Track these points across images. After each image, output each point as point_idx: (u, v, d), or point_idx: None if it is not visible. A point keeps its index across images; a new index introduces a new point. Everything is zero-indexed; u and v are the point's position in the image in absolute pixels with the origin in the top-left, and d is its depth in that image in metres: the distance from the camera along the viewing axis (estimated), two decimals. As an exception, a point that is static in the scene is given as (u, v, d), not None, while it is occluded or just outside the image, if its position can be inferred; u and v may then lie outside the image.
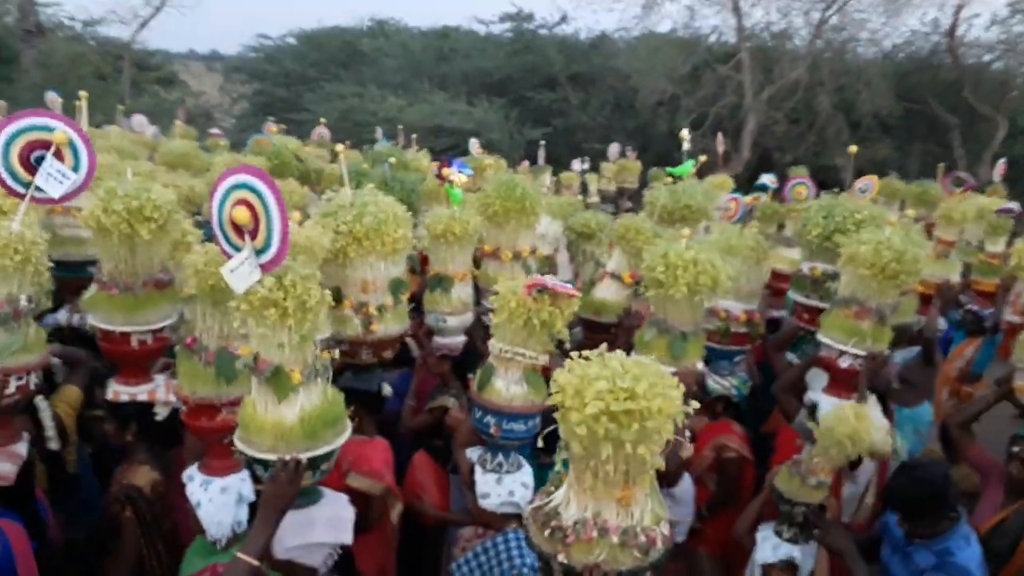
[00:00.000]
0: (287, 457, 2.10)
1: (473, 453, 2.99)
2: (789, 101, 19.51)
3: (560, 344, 2.87)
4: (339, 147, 3.38)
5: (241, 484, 2.50)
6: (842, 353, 3.39)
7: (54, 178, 2.49)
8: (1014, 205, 5.99)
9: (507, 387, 2.81)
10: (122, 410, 2.92)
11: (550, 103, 22.57)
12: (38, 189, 2.49)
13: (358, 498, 2.90)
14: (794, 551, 3.02)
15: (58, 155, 2.48)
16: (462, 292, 3.80)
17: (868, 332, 3.32)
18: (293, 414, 2.10)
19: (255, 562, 1.98)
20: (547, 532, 1.78)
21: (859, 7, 19.53)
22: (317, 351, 2.16)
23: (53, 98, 6.61)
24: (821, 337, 3.48)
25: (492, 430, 2.85)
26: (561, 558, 1.77)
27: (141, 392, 2.93)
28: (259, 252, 1.96)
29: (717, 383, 3.92)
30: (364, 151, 7.25)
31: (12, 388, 2.47)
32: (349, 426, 2.33)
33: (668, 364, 3.20)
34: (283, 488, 2.08)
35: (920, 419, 4.26)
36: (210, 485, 2.46)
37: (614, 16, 48.25)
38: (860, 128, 19.07)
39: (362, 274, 3.24)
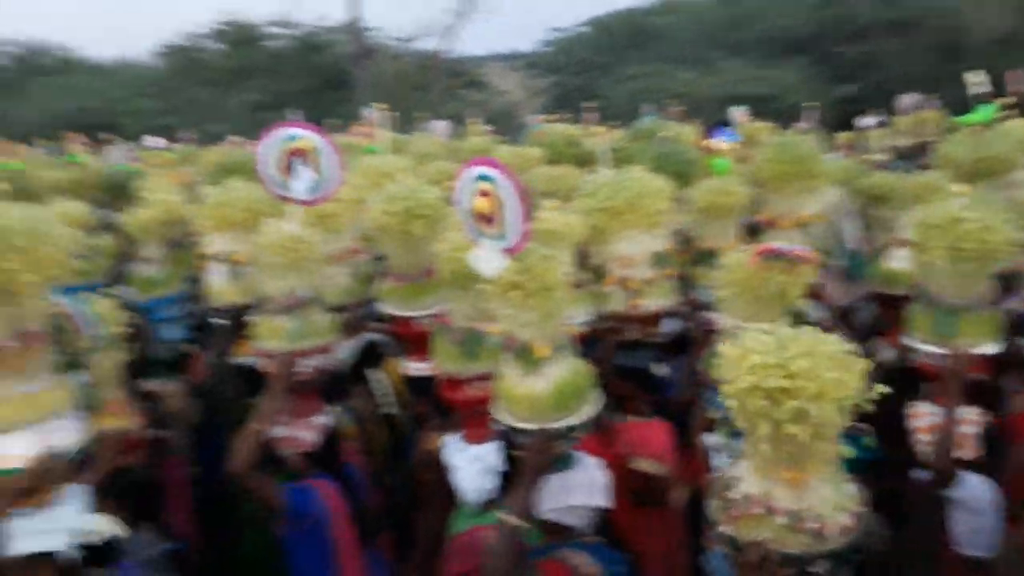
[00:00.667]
0: (541, 427, 2.18)
1: (709, 439, 2.82)
2: None
3: (799, 317, 2.59)
4: (594, 129, 3.39)
5: (490, 454, 2.63)
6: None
7: (303, 182, 2.79)
8: None
9: None
10: (415, 384, 3.24)
11: (860, 57, 20.62)
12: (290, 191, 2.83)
13: (639, 478, 2.91)
14: None
15: (309, 160, 2.79)
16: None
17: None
18: (543, 386, 2.17)
19: (518, 521, 2.09)
20: (718, 502, 1.78)
21: None
22: (563, 326, 2.22)
23: (375, 111, 7.42)
24: None
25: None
26: (725, 529, 1.76)
27: (428, 368, 3.21)
28: (501, 238, 2.05)
29: None
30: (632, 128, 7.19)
31: (306, 367, 2.81)
32: (599, 398, 2.35)
33: (933, 344, 2.78)
34: (538, 455, 2.17)
35: None
36: (465, 452, 2.64)
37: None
38: None
39: (623, 249, 3.22)
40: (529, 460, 2.17)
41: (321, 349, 2.87)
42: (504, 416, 2.26)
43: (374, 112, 4.23)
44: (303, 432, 2.88)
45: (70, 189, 5.98)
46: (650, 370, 3.34)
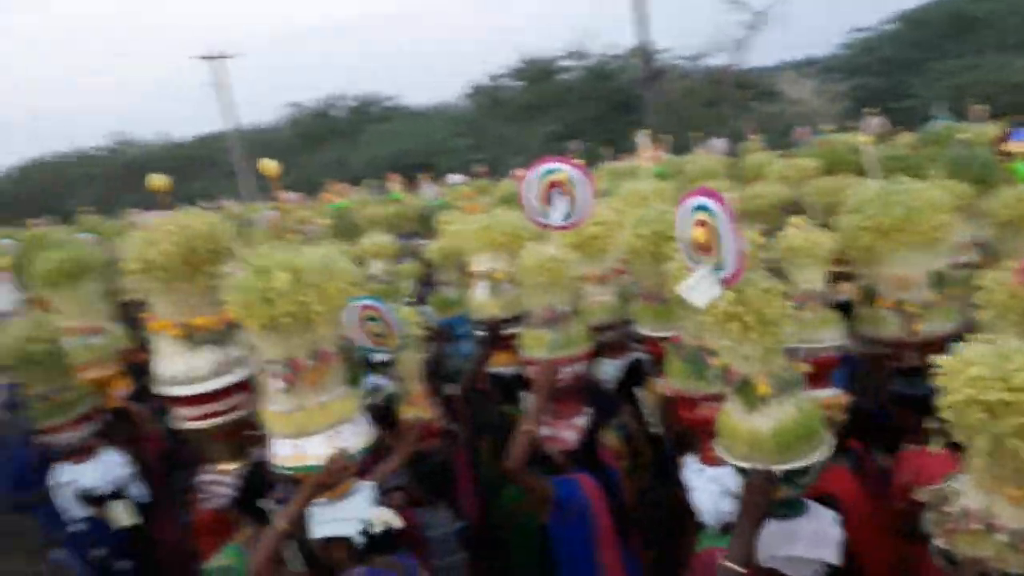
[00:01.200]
0: (759, 467, 2.10)
1: None
2: None
3: None
4: (861, 138, 3.21)
5: (728, 477, 2.59)
6: None
7: (559, 210, 3.03)
8: None
9: None
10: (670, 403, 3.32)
11: None
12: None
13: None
14: None
15: (565, 191, 3.00)
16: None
17: None
18: (766, 425, 2.10)
19: (741, 569, 2.01)
20: (934, 515, 1.77)
21: None
22: (788, 363, 2.14)
23: (642, 136, 7.62)
24: None
25: None
26: (940, 543, 1.75)
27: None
28: (718, 268, 2.06)
29: None
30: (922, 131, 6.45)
31: (564, 374, 3.06)
32: (829, 441, 2.22)
33: None
34: (755, 498, 2.09)
35: None
36: (703, 473, 2.63)
37: None
38: None
39: (897, 269, 3.00)
40: (747, 503, 2.11)
41: (579, 358, 3.10)
42: (724, 452, 2.22)
43: (641, 137, 4.33)
44: (565, 432, 3.14)
45: (388, 223, 6.93)
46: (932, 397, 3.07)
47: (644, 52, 24.78)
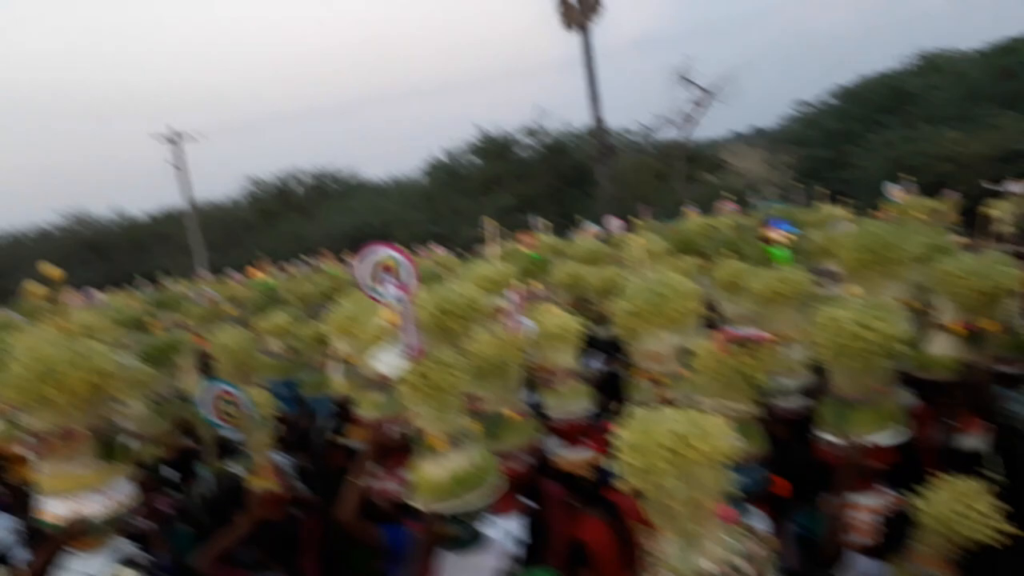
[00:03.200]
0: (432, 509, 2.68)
1: None
2: None
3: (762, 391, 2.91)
4: (624, 232, 3.89)
5: (512, 524, 3.19)
6: None
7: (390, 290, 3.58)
8: None
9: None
10: None
11: None
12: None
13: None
14: None
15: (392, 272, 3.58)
16: (795, 353, 3.84)
17: None
18: (439, 473, 2.70)
19: None
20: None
21: None
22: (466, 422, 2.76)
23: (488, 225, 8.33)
24: None
25: None
26: None
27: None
28: (405, 344, 2.66)
29: None
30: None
31: (392, 431, 3.53)
32: (496, 490, 2.79)
33: (827, 433, 3.09)
34: (427, 535, 2.65)
35: None
36: (493, 524, 3.22)
37: None
38: None
39: (651, 346, 3.67)
40: (419, 538, 2.67)
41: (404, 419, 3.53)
42: (410, 497, 2.80)
43: (488, 226, 5.00)
44: (391, 483, 3.67)
45: (318, 298, 7.50)
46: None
47: (597, 129, 26.06)
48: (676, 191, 23.86)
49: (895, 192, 7.80)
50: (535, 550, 3.21)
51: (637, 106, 27.67)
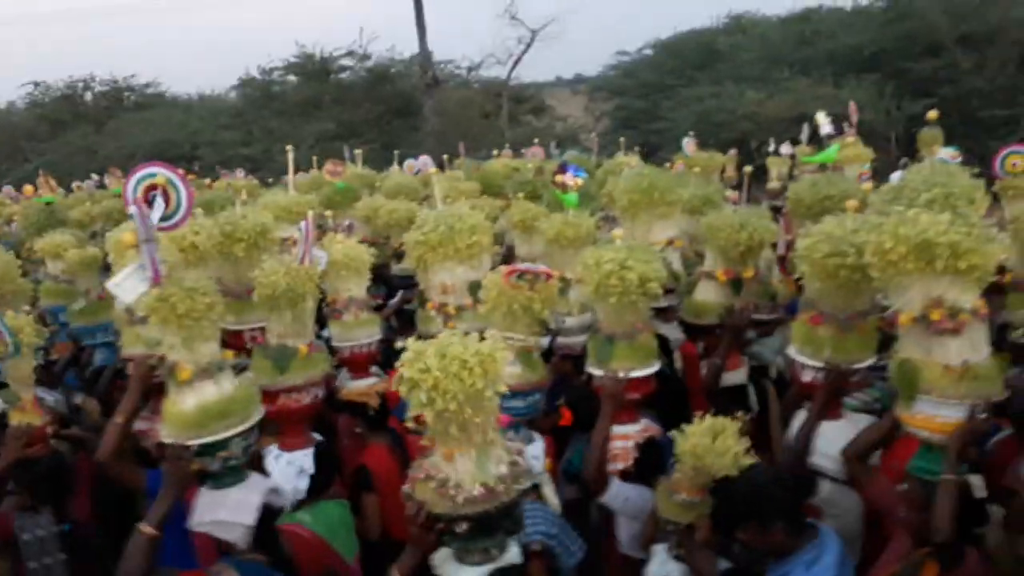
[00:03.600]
0: (176, 442, 2.61)
1: None
2: None
3: (544, 324, 3.08)
4: (432, 170, 3.92)
5: (304, 459, 3.17)
6: (804, 366, 3.08)
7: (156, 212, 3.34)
8: None
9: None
10: None
11: (934, 72, 20.06)
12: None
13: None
14: (675, 570, 2.86)
15: (165, 194, 3.39)
16: (578, 294, 4.05)
17: (826, 341, 2.96)
18: (188, 404, 2.65)
19: (152, 531, 2.40)
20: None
21: None
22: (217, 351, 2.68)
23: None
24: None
25: None
26: (406, 489, 2.27)
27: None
28: (143, 267, 2.55)
29: (855, 396, 3.54)
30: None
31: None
32: (250, 421, 2.77)
33: (593, 367, 3.30)
34: (172, 468, 2.53)
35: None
36: (280, 458, 3.18)
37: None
38: None
39: (442, 278, 3.74)
40: (165, 472, 2.56)
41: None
42: (162, 429, 2.73)
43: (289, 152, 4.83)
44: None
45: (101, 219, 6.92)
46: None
47: (424, 59, 25.62)
48: (501, 130, 24.08)
49: (687, 145, 8.33)
50: (324, 482, 3.23)
51: (464, 40, 27.32)
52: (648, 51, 26.53)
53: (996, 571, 2.65)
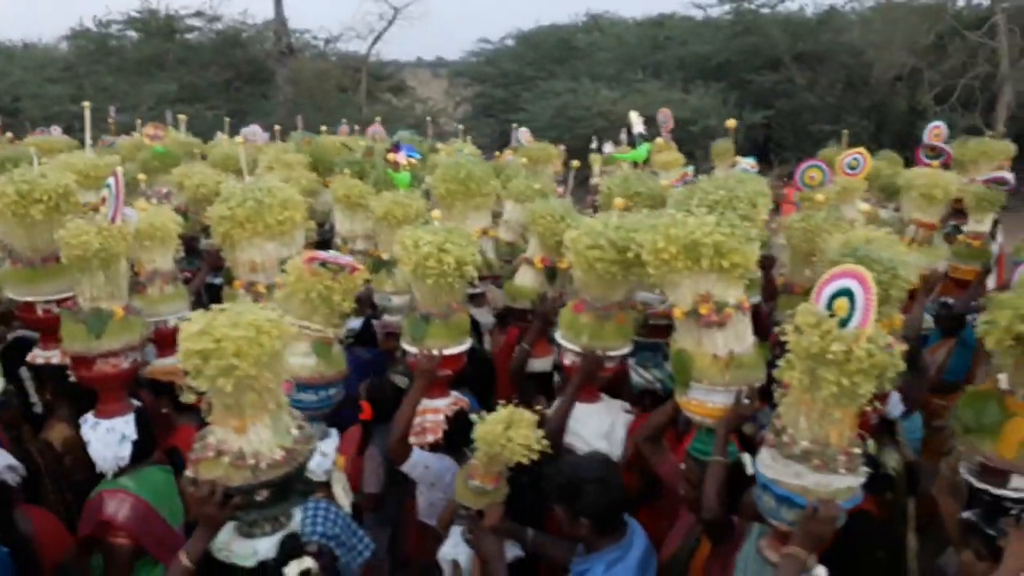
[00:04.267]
0: None
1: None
2: (1056, 67, 16.88)
3: (345, 317, 3.05)
4: (239, 139, 3.78)
5: (125, 425, 3.01)
6: (565, 350, 3.30)
7: None
8: (1007, 175, 4.97)
9: (296, 359, 3.00)
10: (41, 372, 3.57)
11: (773, 85, 21.55)
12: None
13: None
14: (463, 553, 2.99)
15: None
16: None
17: (585, 327, 3.18)
18: None
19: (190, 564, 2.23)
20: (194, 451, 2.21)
21: None
22: None
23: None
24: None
25: None
26: (189, 473, 2.19)
27: (54, 356, 3.53)
28: None
29: (640, 376, 3.76)
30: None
31: None
32: None
33: (408, 344, 3.36)
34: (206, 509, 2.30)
35: (908, 432, 3.70)
36: (98, 426, 3.00)
37: (846, -11, 44.60)
38: None
39: (250, 255, 3.61)
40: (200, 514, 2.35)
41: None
42: None
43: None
44: None
45: None
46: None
47: (279, 26, 24.66)
48: (359, 106, 23.60)
49: (523, 135, 8.52)
50: (147, 447, 3.14)
51: (322, 11, 26.47)
52: (510, 41, 26.83)
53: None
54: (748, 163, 5.77)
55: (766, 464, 2.38)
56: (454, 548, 3.08)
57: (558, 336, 3.39)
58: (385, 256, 4.22)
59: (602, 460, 2.88)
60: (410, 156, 4.26)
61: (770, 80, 21.49)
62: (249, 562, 2.28)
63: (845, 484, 2.27)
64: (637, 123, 4.58)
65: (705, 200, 3.11)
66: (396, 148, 4.36)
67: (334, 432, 3.25)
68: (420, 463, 3.34)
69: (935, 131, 6.21)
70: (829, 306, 2.24)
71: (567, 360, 3.35)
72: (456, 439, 3.34)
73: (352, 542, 3.06)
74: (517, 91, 24.46)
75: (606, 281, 3.16)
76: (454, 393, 3.58)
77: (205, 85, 23.70)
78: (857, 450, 2.30)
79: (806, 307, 2.26)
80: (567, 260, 3.31)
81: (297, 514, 2.56)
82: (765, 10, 22.99)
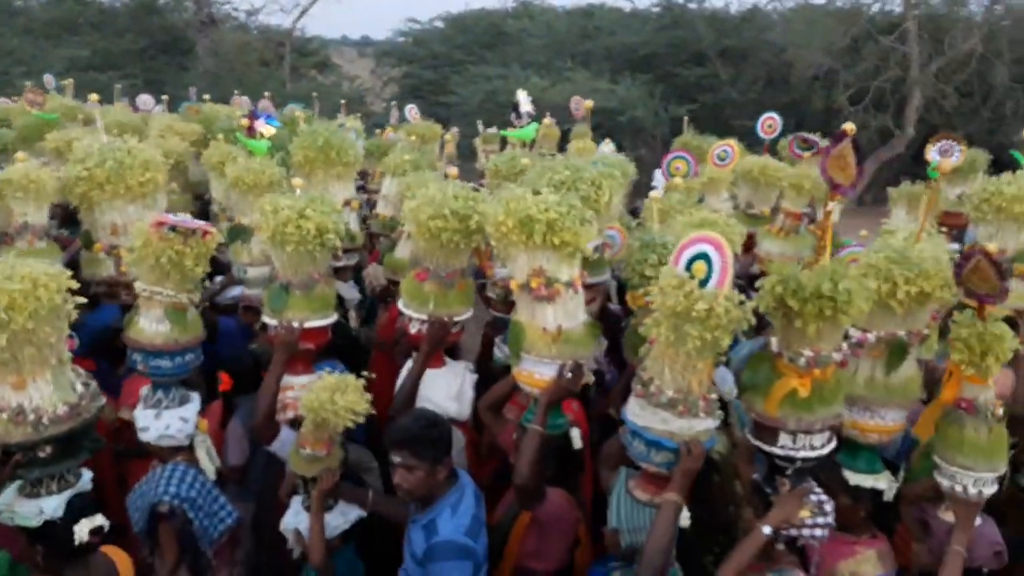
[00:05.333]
0: None
1: (142, 391, 3.26)
2: (961, 74, 17.86)
3: (198, 281, 3.12)
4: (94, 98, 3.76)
5: None
6: (411, 318, 3.43)
7: None
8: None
9: (150, 325, 3.08)
10: None
11: (698, 79, 22.05)
12: None
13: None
14: (303, 521, 3.09)
15: None
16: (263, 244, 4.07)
17: (430, 295, 3.31)
18: None
19: None
20: None
21: (1047, -35, 17.35)
22: None
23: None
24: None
25: (140, 367, 3.14)
26: None
27: None
28: None
29: (503, 352, 3.90)
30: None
31: None
32: None
33: (268, 316, 3.39)
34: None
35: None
36: None
37: (769, -12, 45.99)
38: (1043, 102, 16.94)
39: (111, 218, 3.62)
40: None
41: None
42: None
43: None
44: None
45: None
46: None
47: (199, -6, 24.01)
48: (282, 81, 23.18)
49: (409, 111, 8.61)
50: None
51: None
52: (439, 23, 26.72)
53: None
54: (609, 148, 6.00)
55: (635, 413, 2.63)
56: (295, 517, 3.15)
57: (401, 306, 3.49)
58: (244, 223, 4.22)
59: (428, 409, 3.03)
60: (268, 123, 4.28)
61: (695, 74, 21.98)
62: (34, 522, 2.29)
63: (704, 426, 2.57)
64: (525, 103, 4.71)
65: (551, 180, 3.27)
66: (254, 116, 4.35)
67: (195, 396, 3.28)
68: (288, 442, 3.34)
69: (768, 121, 6.55)
70: (688, 268, 2.47)
71: (413, 329, 3.46)
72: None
73: (213, 508, 3.12)
74: (446, 73, 24.37)
75: (449, 250, 3.27)
76: (322, 370, 3.61)
77: (120, 52, 22.84)
78: (713, 396, 2.60)
79: (668, 270, 2.49)
80: (408, 229, 3.39)
81: (87, 473, 2.60)
82: (692, 5, 23.48)
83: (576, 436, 3.13)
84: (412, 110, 8.85)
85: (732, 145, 5.20)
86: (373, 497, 3.12)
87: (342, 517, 3.12)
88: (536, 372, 2.95)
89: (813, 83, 19.99)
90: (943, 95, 17.98)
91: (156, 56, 23.90)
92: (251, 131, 4.22)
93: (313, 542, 3.00)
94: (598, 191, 3.30)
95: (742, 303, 2.42)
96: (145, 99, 8.69)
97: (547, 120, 7.01)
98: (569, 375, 2.90)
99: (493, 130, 9.50)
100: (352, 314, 4.32)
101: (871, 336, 2.80)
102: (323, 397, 2.85)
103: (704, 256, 2.44)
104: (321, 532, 2.99)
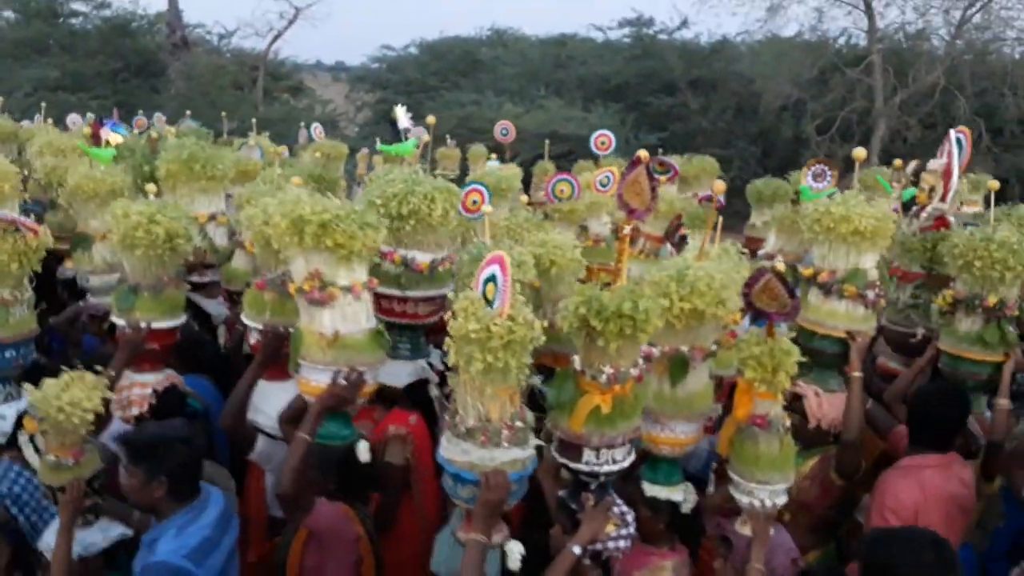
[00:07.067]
0: None
1: None
2: (924, 106, 18.26)
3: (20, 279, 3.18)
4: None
5: None
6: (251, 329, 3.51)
7: None
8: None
9: None
10: None
11: (668, 108, 22.39)
12: None
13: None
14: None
15: None
16: (106, 252, 4.14)
17: (267, 304, 3.38)
18: None
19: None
20: None
21: (1005, 4, 17.93)
22: None
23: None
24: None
25: None
26: None
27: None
28: None
29: None
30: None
31: None
32: None
33: (116, 316, 3.47)
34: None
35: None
36: None
37: (737, 20, 48.57)
38: (1003, 134, 17.27)
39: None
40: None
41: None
42: None
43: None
44: None
45: None
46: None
47: (173, 18, 24.26)
48: (255, 104, 23.38)
49: (315, 130, 8.80)
50: None
51: (217, 5, 26.00)
52: (413, 49, 27.01)
53: None
54: (495, 165, 6.15)
55: (443, 446, 2.57)
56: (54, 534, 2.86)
57: (243, 316, 3.54)
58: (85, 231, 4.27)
59: (186, 422, 2.97)
60: (115, 131, 4.37)
61: (665, 104, 22.31)
62: None
63: (510, 457, 2.49)
64: (403, 119, 4.82)
65: (383, 193, 3.35)
66: (100, 123, 4.41)
67: (24, 394, 3.33)
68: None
69: (600, 138, 6.87)
70: (484, 291, 2.46)
71: (252, 339, 3.50)
72: (163, 415, 3.36)
73: (43, 503, 3.11)
74: (420, 99, 24.58)
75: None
76: (168, 371, 3.67)
77: (91, 74, 23.03)
78: (520, 424, 2.53)
79: (465, 294, 2.48)
80: (247, 238, 3.45)
81: None
82: (662, 36, 23.91)
83: (364, 449, 3.02)
84: (317, 129, 9.03)
85: (614, 171, 5.30)
86: (141, 515, 2.93)
87: (100, 534, 2.90)
88: (312, 379, 2.93)
89: (781, 113, 20.32)
90: (907, 126, 18.36)
91: (128, 79, 24.08)
92: (96, 139, 4.29)
93: (56, 560, 2.72)
94: (431, 204, 3.37)
95: (530, 322, 2.40)
96: (74, 119, 8.83)
97: (425, 137, 7.11)
98: (343, 382, 2.87)
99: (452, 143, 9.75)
100: (221, 330, 4.34)
101: (655, 351, 2.87)
102: (49, 394, 2.71)
103: (493, 278, 2.42)
104: (67, 551, 2.72)
